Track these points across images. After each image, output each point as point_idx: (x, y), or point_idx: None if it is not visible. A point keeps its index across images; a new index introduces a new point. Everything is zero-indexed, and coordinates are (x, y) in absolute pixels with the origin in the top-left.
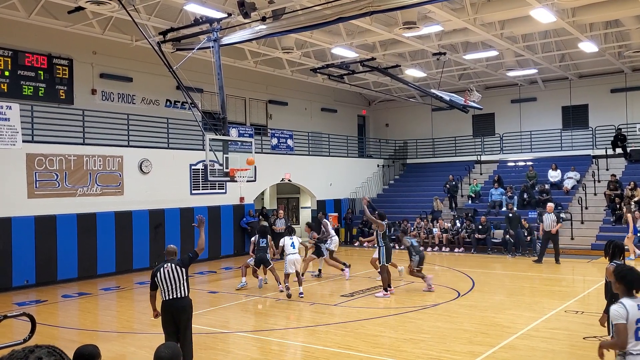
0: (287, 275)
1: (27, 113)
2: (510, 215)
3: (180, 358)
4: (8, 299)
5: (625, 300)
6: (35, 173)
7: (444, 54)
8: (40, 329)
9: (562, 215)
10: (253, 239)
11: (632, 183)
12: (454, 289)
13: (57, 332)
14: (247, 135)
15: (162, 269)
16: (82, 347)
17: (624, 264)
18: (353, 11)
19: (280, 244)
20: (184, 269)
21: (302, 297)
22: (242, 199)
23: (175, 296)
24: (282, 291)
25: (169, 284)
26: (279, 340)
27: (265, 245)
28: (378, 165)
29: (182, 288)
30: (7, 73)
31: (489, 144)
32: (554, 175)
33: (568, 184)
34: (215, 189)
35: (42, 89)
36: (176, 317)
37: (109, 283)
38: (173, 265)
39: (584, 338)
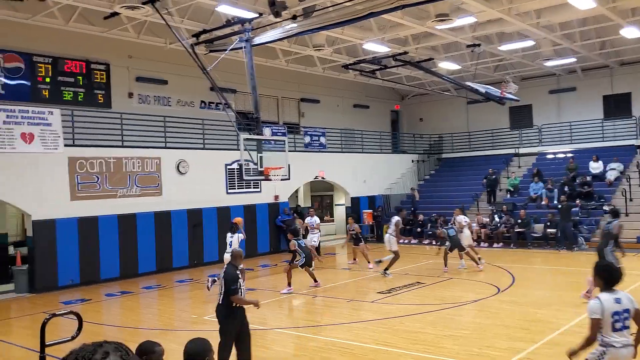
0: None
1: (68, 118)
2: (560, 206)
3: (207, 353)
4: (55, 298)
5: (602, 295)
6: (77, 176)
7: (479, 45)
8: (85, 326)
9: (605, 207)
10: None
11: None
12: (494, 284)
13: (101, 330)
14: (280, 134)
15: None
16: (143, 343)
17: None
18: (384, 5)
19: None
20: (223, 281)
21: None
22: (276, 197)
23: (218, 300)
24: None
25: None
26: (316, 337)
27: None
28: (413, 161)
29: (221, 294)
30: (47, 79)
31: (527, 136)
32: (595, 166)
33: (611, 175)
34: (251, 187)
35: (82, 93)
36: None
37: (149, 282)
38: (226, 269)
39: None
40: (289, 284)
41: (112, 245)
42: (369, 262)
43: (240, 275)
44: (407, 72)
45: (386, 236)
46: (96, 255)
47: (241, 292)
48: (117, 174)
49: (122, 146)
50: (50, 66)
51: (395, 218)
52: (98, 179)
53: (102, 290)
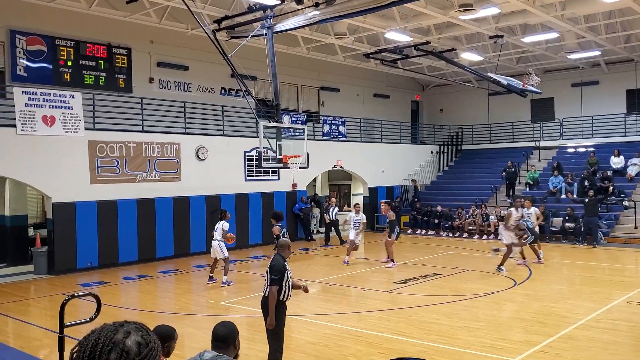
0: (214, 261)
1: (89, 101)
2: (587, 200)
3: (236, 335)
4: (73, 280)
5: None
6: (97, 159)
7: (502, 36)
8: (103, 309)
9: (625, 203)
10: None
11: None
12: (511, 277)
13: (119, 312)
14: (300, 122)
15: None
16: (159, 327)
17: None
18: None
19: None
20: (268, 270)
21: (226, 285)
22: (294, 185)
23: (263, 293)
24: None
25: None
26: (332, 325)
27: None
28: (432, 152)
29: (266, 286)
30: (69, 63)
31: (548, 129)
32: (616, 161)
33: (632, 170)
34: (269, 175)
35: (103, 78)
36: None
37: (167, 266)
38: (274, 258)
39: None
40: None
41: (131, 229)
42: (390, 259)
43: (288, 268)
44: (429, 62)
45: (500, 228)
46: (115, 239)
47: (287, 289)
48: (137, 158)
49: (142, 131)
50: (72, 50)
51: (510, 210)
52: (118, 163)
53: (120, 274)
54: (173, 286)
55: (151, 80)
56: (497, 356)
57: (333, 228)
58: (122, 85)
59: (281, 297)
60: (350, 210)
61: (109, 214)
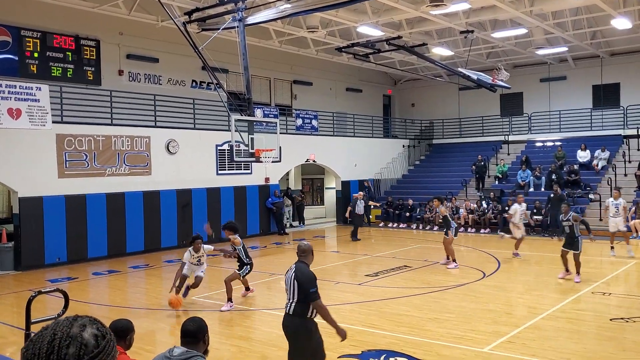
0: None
1: (56, 94)
2: (552, 195)
3: (205, 331)
4: (41, 275)
5: None
6: (65, 153)
7: (472, 32)
8: (72, 305)
9: (591, 196)
10: None
11: None
12: (480, 269)
13: (88, 308)
14: (272, 115)
15: (289, 270)
16: (116, 321)
17: None
18: None
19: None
20: (296, 284)
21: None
22: (267, 179)
23: (286, 310)
24: None
25: (287, 291)
26: None
27: None
28: (403, 146)
29: (292, 302)
30: (36, 54)
31: (517, 123)
32: (583, 155)
33: (598, 164)
34: (241, 169)
35: (71, 70)
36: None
37: (137, 261)
38: (299, 267)
39: (610, 320)
40: (230, 299)
41: (100, 224)
42: (450, 260)
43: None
44: (401, 57)
45: None
46: (84, 234)
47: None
48: (106, 152)
49: (112, 124)
50: (38, 41)
51: None
52: (86, 156)
53: (90, 269)
54: (144, 281)
55: (120, 72)
56: (466, 347)
57: (356, 223)
58: (91, 78)
59: (309, 315)
60: (321, 204)
61: (78, 209)
